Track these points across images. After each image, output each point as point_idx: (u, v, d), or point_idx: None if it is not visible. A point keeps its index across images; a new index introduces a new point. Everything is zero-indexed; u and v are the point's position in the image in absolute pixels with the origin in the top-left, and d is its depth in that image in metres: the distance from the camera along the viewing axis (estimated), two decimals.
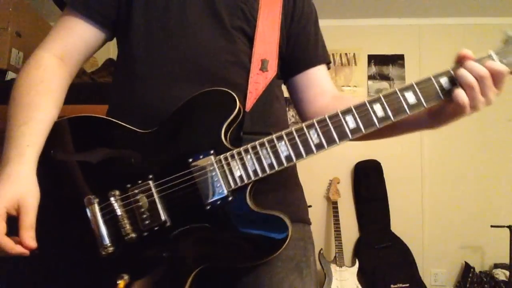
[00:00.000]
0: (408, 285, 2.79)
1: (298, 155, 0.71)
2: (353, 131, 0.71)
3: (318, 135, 0.71)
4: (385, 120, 0.71)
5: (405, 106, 0.70)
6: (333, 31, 3.06)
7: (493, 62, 0.68)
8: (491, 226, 2.75)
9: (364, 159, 3.15)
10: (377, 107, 0.71)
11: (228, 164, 0.72)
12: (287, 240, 0.71)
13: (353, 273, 2.81)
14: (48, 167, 0.74)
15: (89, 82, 2.10)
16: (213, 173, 0.71)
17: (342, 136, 0.71)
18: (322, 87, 0.94)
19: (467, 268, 2.92)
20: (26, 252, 0.67)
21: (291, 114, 2.88)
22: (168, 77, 0.82)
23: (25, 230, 0.67)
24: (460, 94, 0.67)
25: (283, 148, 0.71)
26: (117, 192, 0.72)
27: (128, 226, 0.71)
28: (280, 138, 0.72)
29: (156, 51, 0.84)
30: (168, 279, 0.72)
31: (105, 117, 0.80)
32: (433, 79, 0.71)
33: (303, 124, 0.72)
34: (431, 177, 3.16)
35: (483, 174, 3.09)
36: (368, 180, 3.12)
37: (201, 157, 0.72)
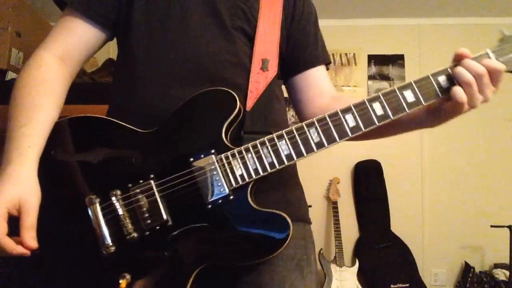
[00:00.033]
0: (408, 285, 2.79)
1: (299, 154, 0.71)
2: (353, 130, 0.71)
3: (318, 133, 0.71)
4: (385, 118, 0.71)
5: (404, 104, 0.71)
6: (333, 31, 3.06)
7: (490, 60, 0.70)
8: (491, 226, 2.75)
9: (364, 159, 3.15)
10: (376, 106, 0.72)
11: (229, 163, 0.72)
12: (288, 239, 0.71)
13: (353, 273, 2.81)
14: (49, 168, 0.75)
15: (89, 82, 2.10)
16: (214, 172, 0.71)
17: (342, 134, 0.71)
18: (321, 88, 0.94)
19: (467, 268, 2.92)
20: (27, 252, 0.67)
21: (291, 114, 2.88)
22: (169, 77, 0.82)
23: (26, 231, 0.67)
24: (458, 91, 0.68)
25: (284, 147, 0.72)
26: (118, 192, 0.73)
27: (129, 226, 0.71)
28: (280, 137, 0.72)
29: (156, 51, 0.84)
30: (169, 278, 0.72)
31: (105, 117, 0.80)
32: (431, 77, 0.72)
33: (303, 123, 0.72)
34: (431, 177, 3.16)
35: (483, 174, 3.09)
36: (368, 180, 3.12)
37: (202, 156, 0.72)
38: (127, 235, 0.71)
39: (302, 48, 0.94)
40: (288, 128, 0.73)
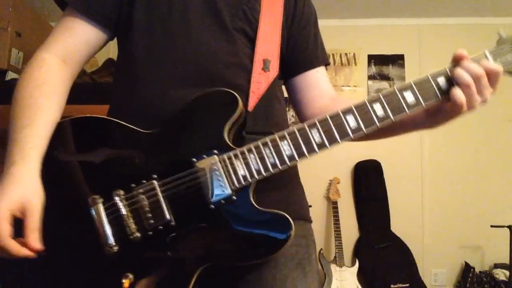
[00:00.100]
0: (408, 285, 2.79)
1: (301, 155, 0.72)
2: (354, 130, 0.72)
3: (320, 134, 0.72)
4: (385, 119, 0.72)
5: (404, 105, 0.72)
6: (333, 31, 3.06)
7: (489, 62, 0.70)
8: (491, 226, 2.75)
9: (364, 159, 3.15)
10: (377, 107, 0.72)
11: (232, 164, 0.72)
12: (290, 239, 0.71)
13: (353, 273, 2.82)
14: (52, 168, 0.75)
15: (89, 82, 2.10)
16: (217, 173, 0.72)
17: (344, 135, 0.72)
18: (321, 89, 0.95)
19: (467, 268, 2.92)
20: (32, 254, 0.67)
21: (291, 114, 2.88)
22: (169, 78, 0.82)
23: (31, 232, 0.67)
24: (457, 93, 0.69)
25: (286, 148, 0.72)
26: (121, 192, 0.73)
27: (132, 226, 0.72)
28: (282, 138, 0.72)
29: (157, 52, 0.84)
30: (172, 277, 0.73)
31: (108, 117, 0.80)
32: (430, 78, 0.72)
33: (305, 124, 0.73)
34: (431, 177, 3.16)
35: (483, 174, 3.09)
36: (368, 180, 3.12)
37: (204, 156, 0.73)
38: (130, 235, 0.71)
39: (302, 48, 0.94)
40: (290, 129, 0.73)
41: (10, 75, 2.04)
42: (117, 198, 0.72)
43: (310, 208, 0.96)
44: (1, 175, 0.71)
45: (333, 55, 3.30)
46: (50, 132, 0.76)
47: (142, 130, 0.77)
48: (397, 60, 3.31)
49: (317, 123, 0.72)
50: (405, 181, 3.16)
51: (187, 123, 0.76)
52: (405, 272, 2.86)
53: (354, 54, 3.34)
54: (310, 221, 0.93)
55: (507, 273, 2.69)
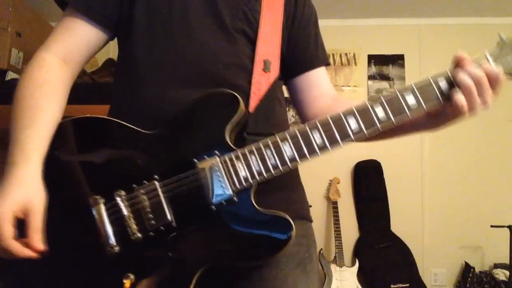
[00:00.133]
0: (408, 285, 2.79)
1: (302, 156, 0.72)
2: (355, 133, 0.72)
3: (321, 136, 0.72)
4: (387, 122, 0.72)
5: (406, 108, 0.72)
6: (333, 31, 3.06)
7: (489, 66, 0.70)
8: (491, 226, 2.76)
9: (364, 159, 3.15)
10: (378, 109, 0.72)
11: (233, 165, 0.72)
12: (291, 240, 0.71)
13: (353, 273, 2.82)
14: (54, 169, 0.75)
15: (89, 82, 2.10)
16: (218, 174, 0.72)
17: (345, 137, 0.72)
18: (322, 89, 0.95)
19: (467, 268, 2.92)
20: (35, 255, 0.67)
21: (291, 114, 2.88)
22: (170, 78, 0.82)
23: (33, 233, 0.67)
24: (459, 97, 0.69)
25: (287, 149, 0.72)
26: (123, 192, 0.73)
27: (134, 226, 0.72)
28: (284, 139, 0.73)
29: (158, 52, 0.84)
30: (173, 278, 0.73)
31: (109, 118, 0.80)
32: (432, 81, 0.72)
33: (307, 126, 0.73)
34: (431, 177, 3.16)
35: (483, 174, 3.10)
36: (368, 180, 3.12)
37: (206, 157, 0.73)
38: (131, 236, 0.71)
39: (303, 49, 0.94)
40: (291, 131, 0.73)
41: (10, 75, 2.05)
42: (118, 199, 0.72)
43: (310, 208, 0.96)
44: (1, 174, 0.71)
45: (333, 55, 3.30)
46: (51, 133, 0.76)
47: (143, 131, 0.77)
48: (397, 60, 3.31)
49: (319, 125, 0.72)
50: (405, 181, 3.16)
51: (188, 124, 0.76)
52: (405, 272, 2.86)
53: (354, 54, 3.34)
54: (311, 221, 0.93)
55: (507, 273, 2.69)
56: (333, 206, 2.97)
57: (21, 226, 0.68)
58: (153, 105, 0.81)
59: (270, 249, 0.72)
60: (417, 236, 3.08)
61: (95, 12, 0.84)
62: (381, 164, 3.13)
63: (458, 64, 0.71)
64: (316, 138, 0.72)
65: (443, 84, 0.72)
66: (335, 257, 2.86)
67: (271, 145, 0.72)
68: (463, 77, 0.69)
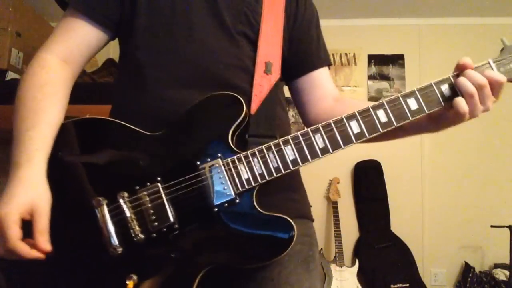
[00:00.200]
0: (408, 285, 2.79)
1: (304, 159, 0.73)
2: (357, 136, 0.73)
3: (323, 139, 0.73)
4: (388, 125, 0.73)
5: (407, 112, 0.73)
6: (333, 31, 3.06)
7: (492, 72, 0.71)
8: (491, 226, 2.76)
9: (364, 159, 3.15)
10: (380, 113, 0.73)
11: (236, 167, 0.73)
12: (293, 241, 0.72)
13: (353, 273, 2.82)
14: (57, 170, 0.75)
15: (89, 82, 2.10)
16: (221, 176, 0.72)
17: (347, 140, 0.73)
18: (324, 90, 0.95)
19: (467, 268, 2.92)
20: (42, 256, 0.68)
21: (291, 114, 2.88)
22: (172, 79, 0.83)
23: (39, 234, 0.68)
24: (460, 102, 0.70)
25: (289, 152, 0.73)
26: (125, 194, 0.73)
27: (137, 228, 0.72)
28: (286, 142, 0.73)
29: (159, 53, 0.84)
30: (176, 279, 0.73)
31: (111, 119, 0.80)
32: (434, 86, 0.73)
33: (309, 129, 0.74)
34: (431, 177, 3.16)
35: (483, 174, 3.10)
36: (368, 180, 3.12)
37: (208, 160, 0.73)
38: (134, 237, 0.72)
39: (305, 50, 0.94)
40: (294, 134, 0.74)
41: (10, 75, 2.05)
42: (121, 200, 0.73)
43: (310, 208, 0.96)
44: (1, 173, 0.71)
45: (333, 55, 3.30)
46: (54, 133, 0.76)
47: (146, 132, 0.77)
48: (397, 60, 3.31)
49: (321, 129, 0.73)
50: (405, 181, 3.16)
51: (191, 126, 0.77)
52: (405, 272, 2.86)
53: (354, 54, 3.34)
54: (312, 220, 0.93)
55: (507, 273, 2.69)
56: (333, 206, 2.97)
57: (26, 227, 0.68)
58: (154, 106, 0.81)
59: (272, 250, 0.73)
60: (417, 236, 3.09)
61: (96, 12, 0.84)
62: (381, 164, 3.13)
63: (461, 69, 0.72)
64: (318, 141, 0.73)
65: (445, 89, 0.73)
66: (335, 257, 2.86)
67: (273, 148, 0.73)
68: (466, 84, 0.70)
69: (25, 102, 0.77)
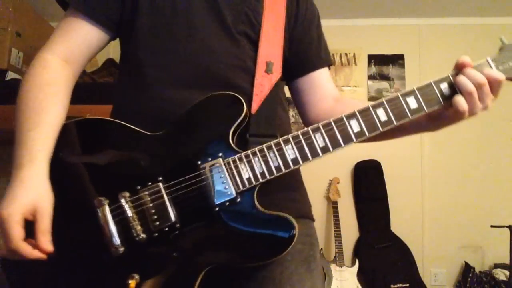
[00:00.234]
0: (408, 285, 2.79)
1: (304, 158, 0.73)
2: (357, 135, 0.73)
3: (323, 138, 0.73)
4: (388, 124, 0.73)
5: (407, 111, 0.73)
6: (333, 31, 3.05)
7: (491, 70, 0.71)
8: (491, 226, 2.75)
9: (364, 159, 3.15)
10: (380, 112, 0.73)
11: (237, 167, 0.73)
12: (294, 240, 0.72)
13: (353, 273, 2.82)
14: (58, 170, 0.75)
15: (89, 82, 2.10)
16: (222, 175, 0.73)
17: (347, 139, 0.73)
18: (324, 90, 0.95)
19: (467, 268, 2.92)
20: (44, 256, 0.68)
21: (290, 114, 2.88)
22: (173, 79, 0.83)
23: (42, 235, 0.68)
24: (460, 100, 0.70)
25: (290, 151, 0.73)
26: (127, 194, 0.73)
27: (138, 227, 0.72)
28: (286, 141, 0.74)
29: (160, 53, 0.84)
30: (178, 278, 0.73)
31: (112, 119, 0.80)
32: (433, 85, 0.73)
33: (309, 128, 0.74)
34: (431, 177, 3.16)
35: (483, 174, 3.10)
36: (368, 180, 3.12)
37: (209, 159, 0.74)
38: (136, 236, 0.72)
39: (306, 50, 0.94)
40: (294, 133, 0.74)
41: (10, 75, 2.05)
42: (122, 200, 0.73)
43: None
44: (1, 173, 0.71)
45: (333, 55, 3.29)
46: (56, 133, 0.76)
47: (147, 132, 0.77)
48: (397, 60, 3.31)
49: (321, 128, 0.74)
50: (405, 181, 3.16)
51: (192, 126, 0.77)
52: (405, 272, 2.86)
53: (354, 54, 3.34)
54: (313, 220, 0.94)
55: (507, 273, 2.69)
56: (333, 206, 2.97)
57: (28, 227, 0.68)
58: (155, 106, 0.82)
59: (273, 249, 0.73)
60: (417, 236, 3.08)
61: (96, 12, 0.84)
62: (381, 164, 3.13)
63: (460, 68, 0.72)
64: (319, 140, 0.73)
65: (444, 87, 0.73)
66: (335, 257, 2.86)
67: (274, 147, 0.73)
68: (465, 82, 0.70)
69: (27, 103, 0.77)
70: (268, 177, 0.73)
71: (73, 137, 0.79)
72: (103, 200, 0.73)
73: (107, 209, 0.72)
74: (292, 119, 2.91)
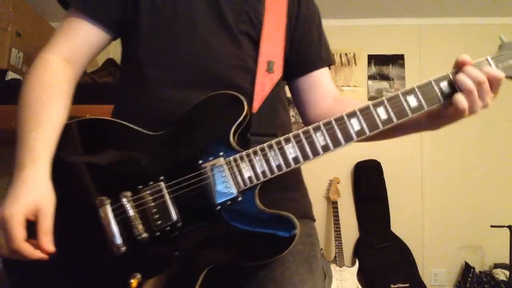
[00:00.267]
0: (408, 285, 2.79)
1: (305, 157, 0.73)
2: (358, 133, 0.73)
3: (324, 137, 0.73)
4: (389, 123, 0.73)
5: (407, 109, 0.73)
6: (333, 31, 3.05)
7: (490, 68, 0.72)
8: (491, 226, 2.75)
9: (364, 159, 3.15)
10: (381, 110, 0.74)
11: (238, 166, 0.73)
12: (295, 239, 0.72)
13: (353, 273, 2.82)
14: (60, 170, 0.75)
15: (89, 82, 2.10)
16: (223, 174, 0.73)
17: (348, 138, 0.73)
18: (325, 90, 0.95)
19: (467, 268, 2.92)
20: (46, 257, 0.68)
21: (290, 114, 2.88)
22: (174, 79, 0.83)
23: (43, 235, 0.68)
24: (460, 98, 0.70)
25: (291, 150, 0.74)
26: (129, 194, 0.74)
27: (140, 226, 0.73)
28: (287, 140, 0.74)
29: (161, 53, 0.84)
30: (179, 277, 0.74)
31: (114, 119, 0.80)
32: (433, 83, 0.74)
33: (310, 127, 0.74)
34: (431, 177, 3.16)
35: (483, 174, 3.10)
36: (368, 180, 3.12)
37: (211, 158, 0.74)
38: (137, 236, 0.72)
39: (306, 50, 0.94)
40: (295, 132, 0.74)
41: (10, 75, 2.05)
42: (124, 200, 0.73)
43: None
44: (1, 173, 0.72)
45: (333, 55, 3.29)
46: (58, 134, 0.76)
47: (148, 132, 0.78)
48: (397, 60, 3.31)
49: (322, 126, 0.74)
50: (405, 181, 3.16)
51: (193, 125, 0.77)
52: (405, 272, 2.86)
53: (354, 54, 3.34)
54: (314, 220, 0.94)
55: (507, 273, 2.69)
56: (333, 206, 2.97)
57: (30, 227, 0.68)
58: (156, 106, 0.82)
59: (275, 248, 0.73)
60: (417, 236, 3.08)
61: (98, 12, 0.84)
62: (381, 164, 3.13)
63: (460, 66, 0.72)
64: (320, 138, 0.73)
65: (444, 86, 0.73)
66: (335, 257, 2.86)
67: (275, 145, 0.74)
68: (465, 80, 0.70)
69: (29, 103, 0.77)
70: (269, 176, 0.73)
71: (74, 137, 0.79)
72: (105, 200, 0.73)
73: (109, 209, 0.73)
74: (292, 119, 2.91)
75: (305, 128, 0.74)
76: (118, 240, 0.72)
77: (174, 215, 0.72)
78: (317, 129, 0.74)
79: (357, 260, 2.89)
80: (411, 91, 0.73)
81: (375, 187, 3.11)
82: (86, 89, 1.79)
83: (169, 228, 0.72)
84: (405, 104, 0.73)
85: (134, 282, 0.71)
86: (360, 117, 0.73)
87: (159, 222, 0.72)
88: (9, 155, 0.74)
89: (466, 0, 2.98)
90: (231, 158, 0.74)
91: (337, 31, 3.19)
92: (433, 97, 0.73)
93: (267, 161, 0.73)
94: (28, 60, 2.19)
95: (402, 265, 2.89)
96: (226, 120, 0.76)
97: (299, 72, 0.95)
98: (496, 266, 2.91)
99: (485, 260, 3.03)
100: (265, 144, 0.74)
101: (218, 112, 0.77)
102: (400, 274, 2.83)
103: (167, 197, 0.73)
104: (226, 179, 0.73)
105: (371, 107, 0.74)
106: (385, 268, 2.85)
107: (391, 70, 3.31)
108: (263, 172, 0.73)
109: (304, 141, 0.73)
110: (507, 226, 2.62)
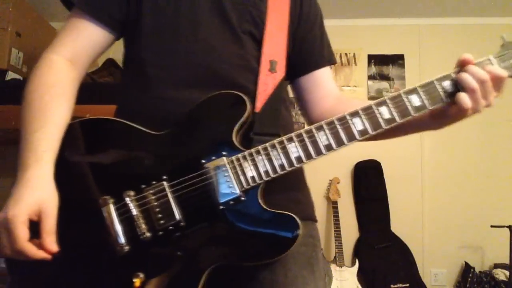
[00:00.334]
0: (408, 285, 2.79)
1: (308, 156, 0.73)
2: (361, 133, 0.73)
3: (327, 136, 0.73)
4: (391, 122, 0.73)
5: (410, 109, 0.73)
6: (333, 31, 3.05)
7: (493, 67, 0.71)
8: (491, 226, 2.75)
9: (364, 159, 3.15)
10: (383, 110, 0.73)
11: (240, 165, 0.73)
12: (297, 240, 0.72)
13: (353, 273, 2.82)
14: (64, 170, 0.75)
15: (89, 82, 2.10)
16: (226, 174, 0.73)
17: (351, 137, 0.73)
18: (327, 89, 0.96)
19: (467, 268, 2.92)
20: (49, 257, 0.68)
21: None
22: (177, 79, 0.83)
23: (47, 235, 0.68)
24: (463, 97, 0.70)
25: (294, 149, 0.73)
26: (132, 193, 0.74)
27: (143, 226, 0.73)
28: (290, 140, 0.74)
29: (164, 53, 0.84)
30: (182, 276, 0.74)
31: (117, 119, 0.81)
32: (436, 82, 0.73)
33: (313, 127, 0.74)
34: (431, 177, 3.16)
35: (483, 174, 3.10)
36: (368, 180, 3.12)
37: (213, 158, 0.74)
38: (141, 235, 0.72)
39: (309, 49, 0.95)
40: (298, 131, 0.74)
41: (10, 75, 2.05)
42: (127, 199, 0.73)
43: None
44: (1, 173, 0.71)
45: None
46: (62, 134, 0.76)
47: (151, 132, 0.78)
48: (397, 60, 3.31)
49: (324, 126, 0.74)
50: (405, 181, 3.16)
51: (196, 125, 0.77)
52: (405, 272, 2.86)
53: (354, 54, 3.34)
54: (316, 221, 0.94)
55: (507, 273, 2.69)
56: (333, 206, 2.97)
57: (33, 227, 0.68)
58: (159, 106, 0.82)
59: (277, 248, 0.73)
60: (417, 236, 3.08)
61: (101, 13, 0.85)
62: (381, 164, 3.13)
63: (462, 65, 0.72)
64: (322, 138, 0.73)
65: (447, 85, 0.73)
66: (335, 257, 2.86)
67: (277, 145, 0.74)
68: (468, 79, 0.70)
69: (33, 103, 0.77)
70: (272, 175, 0.73)
71: (77, 137, 0.79)
72: (108, 199, 0.73)
73: (112, 208, 0.73)
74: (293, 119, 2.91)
75: (307, 127, 0.74)
76: (122, 239, 0.72)
77: (177, 215, 0.72)
78: (319, 128, 0.74)
79: (357, 260, 2.90)
80: (413, 91, 0.73)
81: (375, 187, 3.11)
82: (86, 89, 1.77)
83: (172, 227, 0.72)
84: (407, 103, 0.73)
85: (137, 281, 0.71)
86: (363, 116, 0.73)
87: (162, 221, 0.72)
88: (9, 154, 0.74)
89: (466, 0, 2.98)
90: (234, 157, 0.74)
91: (337, 31, 3.16)
92: (436, 97, 0.73)
93: (270, 161, 0.73)
94: (28, 60, 2.19)
95: (402, 265, 2.90)
96: (229, 120, 0.76)
97: (301, 71, 0.95)
98: (496, 266, 2.91)
99: (485, 260, 3.03)
100: (267, 144, 0.74)
101: (221, 112, 0.77)
102: (400, 274, 2.83)
103: (170, 196, 0.73)
104: (229, 178, 0.73)
105: (374, 107, 0.73)
106: (385, 268, 2.85)
107: (391, 70, 3.31)
108: (266, 172, 0.73)
109: (306, 140, 0.73)
110: (507, 226, 2.62)
